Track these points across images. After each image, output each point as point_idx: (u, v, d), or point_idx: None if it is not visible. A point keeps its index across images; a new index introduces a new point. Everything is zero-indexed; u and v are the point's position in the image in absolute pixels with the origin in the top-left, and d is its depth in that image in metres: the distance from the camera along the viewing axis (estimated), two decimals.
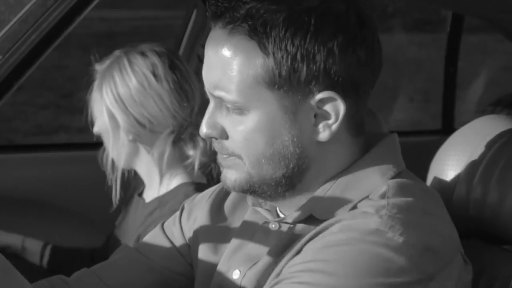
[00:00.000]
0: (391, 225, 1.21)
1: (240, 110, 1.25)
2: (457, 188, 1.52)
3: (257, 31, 1.22)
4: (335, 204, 1.27)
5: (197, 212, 1.47)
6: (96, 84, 2.06)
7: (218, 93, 1.26)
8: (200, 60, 2.55)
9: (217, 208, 1.45)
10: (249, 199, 1.37)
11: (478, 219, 1.50)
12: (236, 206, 1.43)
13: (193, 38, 2.65)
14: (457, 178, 1.52)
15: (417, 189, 1.29)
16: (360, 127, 1.31)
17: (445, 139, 1.61)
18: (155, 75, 1.99)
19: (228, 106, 1.26)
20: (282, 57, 1.22)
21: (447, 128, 3.41)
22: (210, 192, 1.49)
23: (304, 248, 1.25)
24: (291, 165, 1.27)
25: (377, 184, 1.27)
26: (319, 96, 1.24)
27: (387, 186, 1.27)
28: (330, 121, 1.26)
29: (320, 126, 1.26)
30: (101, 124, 2.07)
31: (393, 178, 1.29)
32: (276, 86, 1.23)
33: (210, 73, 1.27)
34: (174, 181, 2.04)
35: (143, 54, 2.00)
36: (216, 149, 1.31)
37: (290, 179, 1.28)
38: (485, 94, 5.84)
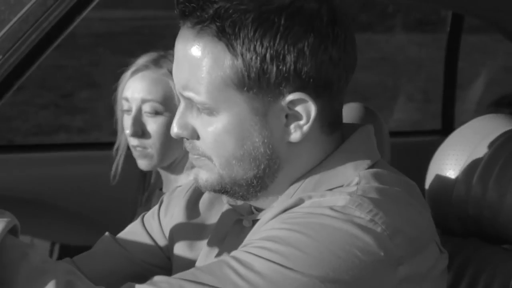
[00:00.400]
0: (359, 203, 1.19)
1: (210, 111, 1.23)
2: (456, 188, 1.52)
3: (225, 32, 1.19)
4: (302, 195, 1.25)
5: (174, 208, 1.47)
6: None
7: (188, 93, 1.24)
8: None
9: (193, 204, 1.44)
10: (224, 196, 1.36)
11: (477, 219, 1.50)
12: (213, 202, 1.42)
13: None
14: (456, 178, 1.52)
15: (391, 178, 1.27)
16: (334, 124, 1.28)
17: (445, 139, 1.61)
18: None
19: (198, 106, 1.24)
20: (251, 58, 1.19)
21: (447, 128, 3.42)
22: (186, 188, 1.48)
23: (271, 221, 1.24)
24: (262, 166, 1.25)
25: (349, 178, 1.26)
26: (290, 97, 1.22)
27: (358, 177, 1.25)
28: (302, 122, 1.24)
29: (292, 126, 1.24)
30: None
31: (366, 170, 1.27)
32: (245, 88, 1.21)
33: (179, 74, 1.25)
34: None
35: None
36: (188, 149, 1.29)
37: (261, 179, 1.26)
38: (485, 94, 5.84)
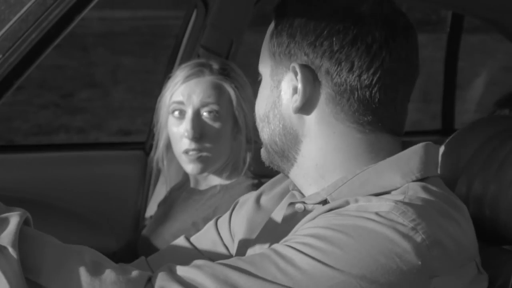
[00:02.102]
0: (403, 211, 1.22)
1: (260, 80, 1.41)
2: (457, 189, 1.52)
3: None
4: (352, 192, 1.29)
5: (243, 208, 1.53)
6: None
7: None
8: None
9: (260, 201, 1.51)
10: (291, 183, 1.43)
11: (478, 219, 1.50)
12: (282, 197, 1.48)
13: (193, 38, 2.64)
14: (456, 179, 1.52)
15: (440, 194, 1.29)
16: (369, 124, 1.31)
17: (445, 139, 1.61)
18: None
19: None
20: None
21: (447, 128, 3.42)
22: (260, 189, 1.55)
23: (316, 218, 1.27)
24: (277, 131, 1.35)
25: (396, 185, 1.28)
26: (292, 66, 1.32)
27: (407, 186, 1.28)
28: (298, 94, 1.32)
29: (294, 98, 1.33)
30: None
31: (415, 182, 1.30)
32: (274, 56, 1.35)
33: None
34: (237, 172, 2.14)
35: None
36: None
37: (285, 148, 1.35)
38: (485, 94, 5.84)
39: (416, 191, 1.27)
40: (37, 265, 1.17)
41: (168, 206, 2.27)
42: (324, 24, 1.29)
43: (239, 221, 1.52)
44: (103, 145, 4.59)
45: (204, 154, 2.10)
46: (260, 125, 1.38)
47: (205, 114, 2.09)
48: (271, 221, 1.43)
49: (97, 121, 7.53)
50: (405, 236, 1.19)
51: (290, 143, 1.35)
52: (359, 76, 1.29)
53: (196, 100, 2.10)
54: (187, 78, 2.13)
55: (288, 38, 1.32)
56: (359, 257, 1.18)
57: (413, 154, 1.32)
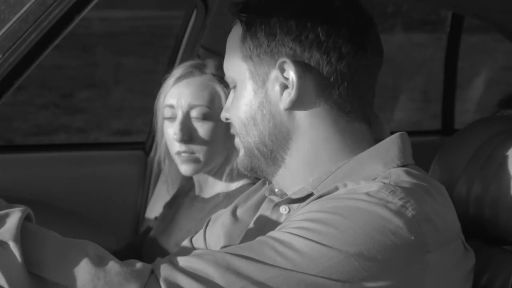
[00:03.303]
0: (392, 190, 1.25)
1: (232, 85, 1.40)
2: (457, 189, 1.52)
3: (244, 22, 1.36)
4: (338, 183, 1.31)
5: (220, 220, 1.54)
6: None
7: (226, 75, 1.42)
8: None
9: (235, 214, 1.52)
10: (266, 189, 1.44)
11: (478, 220, 1.50)
12: (258, 209, 1.47)
13: (193, 38, 2.64)
14: (457, 179, 1.52)
15: (422, 177, 1.32)
16: (353, 114, 1.35)
17: (445, 140, 1.61)
18: None
19: (230, 84, 1.41)
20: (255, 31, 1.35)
21: (447, 129, 3.42)
22: (235, 203, 1.55)
23: (308, 205, 1.29)
24: (266, 132, 1.35)
25: (378, 173, 1.31)
26: (278, 62, 1.33)
27: (389, 172, 1.31)
28: (289, 89, 1.33)
29: (284, 94, 1.34)
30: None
31: (396, 168, 1.32)
32: (250, 57, 1.35)
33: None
34: (239, 180, 2.13)
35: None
36: (231, 132, 1.42)
37: (274, 150, 1.36)
38: (485, 94, 5.84)
39: (398, 175, 1.30)
40: (39, 259, 1.17)
41: (173, 212, 2.27)
42: (305, 18, 1.31)
43: (214, 236, 1.52)
44: (103, 145, 4.59)
45: (195, 155, 2.10)
46: (243, 130, 1.37)
47: (194, 116, 2.09)
48: (253, 228, 1.43)
49: (97, 121, 7.53)
50: (396, 213, 1.22)
51: (281, 142, 1.35)
52: (348, 63, 1.32)
53: (184, 102, 2.10)
54: (178, 79, 2.12)
55: (266, 37, 1.33)
56: (354, 235, 1.20)
57: (392, 143, 1.35)
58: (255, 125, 1.35)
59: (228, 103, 1.41)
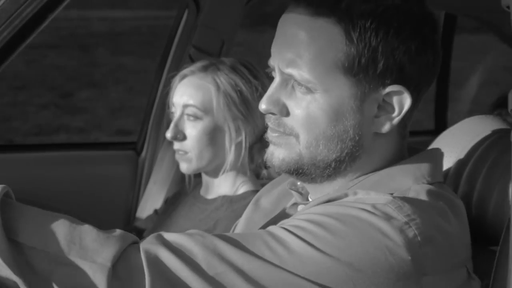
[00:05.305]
0: (399, 205, 1.23)
1: (309, 89, 1.28)
2: None
3: (344, 17, 1.25)
4: (348, 191, 1.30)
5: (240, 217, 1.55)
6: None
7: (290, 70, 1.29)
8: (192, 60, 2.55)
9: (259, 201, 1.52)
10: (289, 182, 1.43)
11: None
12: (281, 199, 1.48)
13: (185, 38, 2.64)
14: (444, 177, 1.52)
15: (443, 197, 1.30)
16: (407, 129, 1.34)
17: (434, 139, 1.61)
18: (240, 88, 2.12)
19: (295, 84, 1.30)
20: (365, 46, 1.25)
21: (440, 129, 3.42)
22: (259, 193, 1.55)
23: (313, 207, 1.28)
24: (346, 151, 1.29)
25: (404, 186, 1.29)
26: (389, 89, 1.27)
27: (410, 187, 1.29)
28: (393, 114, 1.29)
29: (382, 118, 1.29)
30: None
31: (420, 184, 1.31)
32: (353, 73, 1.26)
33: (285, 51, 1.29)
34: (244, 186, 2.14)
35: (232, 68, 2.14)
36: (271, 126, 1.33)
37: (340, 163, 1.31)
38: (483, 94, 5.84)
39: (418, 192, 1.28)
40: (16, 226, 1.18)
41: (173, 209, 2.28)
42: (401, 27, 1.27)
43: (238, 226, 1.54)
44: (94, 145, 4.59)
45: (189, 154, 2.12)
46: (313, 140, 1.30)
47: (186, 115, 2.11)
48: (269, 221, 1.42)
49: (97, 121, 7.52)
50: (397, 229, 1.20)
51: (349, 161, 1.31)
52: (428, 81, 1.32)
53: (180, 101, 2.12)
54: (181, 78, 2.15)
55: (373, 49, 1.26)
56: (349, 244, 1.19)
57: (425, 159, 1.33)
58: (336, 144, 1.29)
59: (273, 95, 1.32)
